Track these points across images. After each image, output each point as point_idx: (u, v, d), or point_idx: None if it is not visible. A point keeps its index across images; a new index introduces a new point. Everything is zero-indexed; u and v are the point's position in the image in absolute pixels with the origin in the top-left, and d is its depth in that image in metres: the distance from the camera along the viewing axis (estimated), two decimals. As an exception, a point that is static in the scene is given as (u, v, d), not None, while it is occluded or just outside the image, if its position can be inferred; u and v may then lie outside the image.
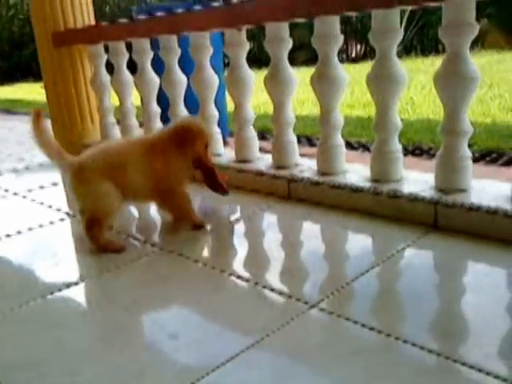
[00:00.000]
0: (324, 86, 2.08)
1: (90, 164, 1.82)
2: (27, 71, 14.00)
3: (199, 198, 2.22)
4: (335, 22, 2.01)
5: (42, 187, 2.80)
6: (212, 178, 1.97)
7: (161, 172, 1.88)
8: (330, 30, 2.02)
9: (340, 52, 2.08)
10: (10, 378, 1.17)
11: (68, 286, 1.62)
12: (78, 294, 1.60)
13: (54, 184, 2.87)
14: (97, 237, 1.82)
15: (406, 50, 9.36)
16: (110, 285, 1.62)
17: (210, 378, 1.12)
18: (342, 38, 2.05)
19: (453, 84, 1.71)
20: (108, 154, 1.89)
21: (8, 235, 2.09)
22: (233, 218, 2.17)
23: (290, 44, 2.23)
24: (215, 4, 2.42)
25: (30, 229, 2.15)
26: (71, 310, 1.52)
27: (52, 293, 1.58)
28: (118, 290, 1.57)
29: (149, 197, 1.96)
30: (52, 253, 1.91)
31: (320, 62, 2.09)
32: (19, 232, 2.12)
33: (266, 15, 2.13)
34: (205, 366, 1.16)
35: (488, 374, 1.05)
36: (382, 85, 1.90)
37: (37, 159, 3.58)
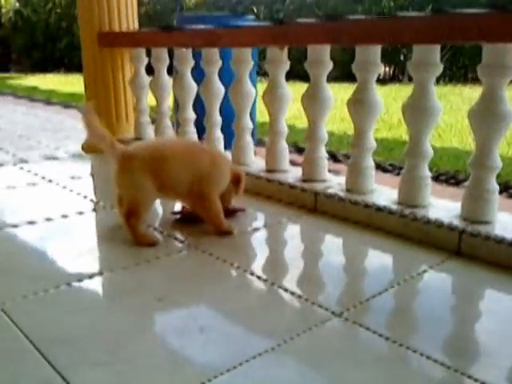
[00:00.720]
0: (360, 110, 2.17)
1: (136, 155, 1.91)
2: (59, 63, 14.33)
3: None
4: (377, 50, 2.10)
5: (77, 177, 2.91)
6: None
7: (203, 175, 1.97)
8: (371, 57, 2.10)
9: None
10: (53, 353, 1.26)
11: (100, 273, 1.72)
12: (110, 281, 1.69)
13: (90, 175, 2.99)
14: (134, 227, 1.91)
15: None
16: (140, 276, 1.71)
17: (233, 373, 1.20)
18: (381, 65, 2.13)
19: (487, 122, 1.78)
20: (154, 149, 2.00)
21: (38, 221, 2.20)
22: (258, 224, 2.25)
23: (330, 66, 2.32)
24: (261, 23, 2.53)
25: (64, 216, 2.25)
26: (105, 295, 1.63)
27: (85, 278, 1.67)
28: (149, 282, 1.66)
29: (182, 196, 2.04)
30: (84, 241, 2.01)
31: (357, 87, 2.17)
32: (49, 219, 2.22)
33: (309, 38, 2.24)
34: (229, 362, 1.23)
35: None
36: (417, 115, 1.98)
37: (69, 149, 3.71)
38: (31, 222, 2.17)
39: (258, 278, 1.69)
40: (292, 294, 1.57)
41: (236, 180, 2.08)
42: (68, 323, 1.42)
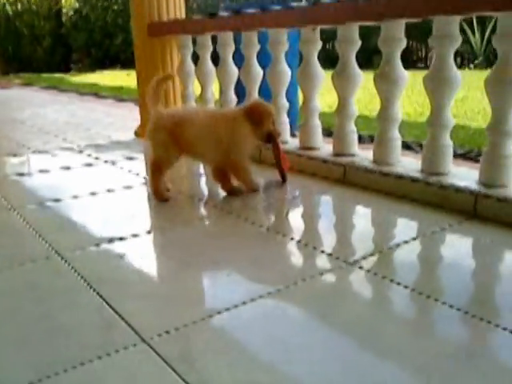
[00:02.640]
0: (385, 84, 2.28)
1: (164, 117, 2.22)
2: (116, 60, 14.97)
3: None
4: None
5: (128, 158, 3.21)
6: (278, 150, 2.35)
7: (228, 142, 2.21)
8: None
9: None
10: (104, 289, 1.51)
11: (149, 232, 1.98)
12: (159, 238, 1.95)
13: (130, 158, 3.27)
14: (155, 180, 2.23)
15: (489, 61, 9.14)
16: (183, 235, 1.93)
17: (250, 305, 1.39)
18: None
19: (502, 90, 1.87)
20: (180, 114, 2.29)
21: (94, 193, 2.48)
22: (291, 195, 2.42)
23: (358, 44, 2.43)
24: (293, 4, 2.68)
25: (128, 187, 2.52)
26: (154, 248, 1.90)
27: (138, 235, 1.92)
28: (190, 239, 1.89)
29: (213, 161, 2.30)
30: (137, 207, 2.26)
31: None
32: (110, 190, 2.50)
33: (338, 17, 2.38)
34: (246, 297, 1.42)
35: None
36: (438, 86, 2.07)
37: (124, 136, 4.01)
38: (93, 193, 2.46)
39: (283, 235, 1.87)
40: (316, 248, 1.74)
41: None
42: (120, 269, 1.67)
